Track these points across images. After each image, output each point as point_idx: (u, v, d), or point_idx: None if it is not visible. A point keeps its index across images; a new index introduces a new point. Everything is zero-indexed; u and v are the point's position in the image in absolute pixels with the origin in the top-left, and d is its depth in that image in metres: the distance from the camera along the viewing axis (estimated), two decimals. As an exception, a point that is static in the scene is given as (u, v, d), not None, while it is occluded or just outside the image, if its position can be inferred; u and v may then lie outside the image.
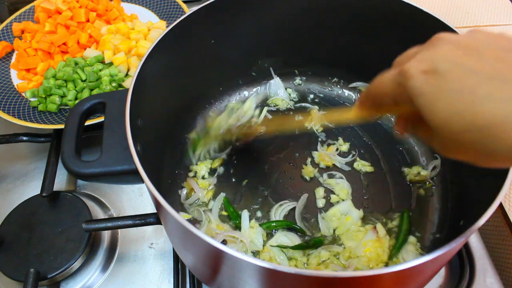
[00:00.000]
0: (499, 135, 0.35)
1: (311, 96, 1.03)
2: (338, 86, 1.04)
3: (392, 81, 0.44)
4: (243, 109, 0.98)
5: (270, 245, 0.77)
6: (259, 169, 0.90)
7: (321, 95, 1.03)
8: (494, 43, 0.39)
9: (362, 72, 0.98)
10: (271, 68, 1.02)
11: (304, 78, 1.04)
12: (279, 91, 1.02)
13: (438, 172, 0.86)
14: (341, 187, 0.85)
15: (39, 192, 0.88)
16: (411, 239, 0.78)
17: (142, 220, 0.78)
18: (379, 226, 0.79)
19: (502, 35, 0.40)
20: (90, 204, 0.89)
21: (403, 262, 0.71)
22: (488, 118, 0.35)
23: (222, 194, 0.85)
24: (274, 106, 1.01)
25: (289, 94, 1.03)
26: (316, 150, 0.92)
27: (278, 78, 1.03)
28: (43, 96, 1.01)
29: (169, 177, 0.88)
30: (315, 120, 0.92)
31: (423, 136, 0.48)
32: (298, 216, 0.82)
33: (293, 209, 0.83)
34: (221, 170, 0.90)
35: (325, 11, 0.89)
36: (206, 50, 0.88)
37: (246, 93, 1.03)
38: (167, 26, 0.97)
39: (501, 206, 0.84)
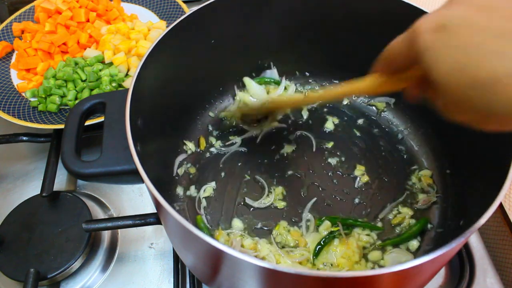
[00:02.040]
0: (502, 90, 0.35)
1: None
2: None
3: (404, 39, 0.45)
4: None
5: None
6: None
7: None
8: (507, 2, 0.39)
9: (363, 73, 0.98)
10: (271, 63, 1.02)
11: (305, 78, 1.04)
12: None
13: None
14: None
15: (39, 192, 0.88)
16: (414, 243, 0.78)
17: (142, 220, 0.78)
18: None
19: None
20: (90, 204, 0.89)
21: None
22: (491, 73, 0.35)
23: None
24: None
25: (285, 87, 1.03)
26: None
27: (275, 69, 1.02)
28: (43, 96, 1.01)
29: (169, 177, 0.88)
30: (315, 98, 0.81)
31: (430, 96, 0.47)
32: None
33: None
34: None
35: (325, 13, 0.89)
36: (206, 50, 0.88)
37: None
38: (167, 26, 0.97)
39: (501, 206, 0.84)
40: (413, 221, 0.80)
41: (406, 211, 0.82)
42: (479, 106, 0.37)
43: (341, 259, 0.75)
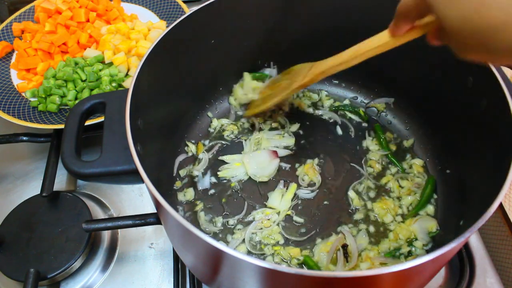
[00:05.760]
0: (501, 37, 0.41)
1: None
2: (340, 88, 1.03)
3: None
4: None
5: None
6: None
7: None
8: None
9: (363, 74, 0.98)
10: (271, 63, 1.02)
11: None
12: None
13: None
14: None
15: (39, 192, 0.88)
16: (430, 208, 0.83)
17: (142, 220, 0.78)
18: None
19: None
20: (90, 204, 0.89)
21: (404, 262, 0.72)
22: (492, 22, 0.41)
23: None
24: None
25: None
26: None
27: (275, 69, 1.02)
28: (43, 96, 1.01)
29: (169, 177, 0.88)
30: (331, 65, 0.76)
31: (444, 39, 0.52)
32: None
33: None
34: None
35: (325, 13, 0.89)
36: (206, 50, 0.88)
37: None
38: (167, 26, 0.97)
39: (501, 206, 0.84)
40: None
41: (407, 184, 0.87)
42: (485, 48, 0.43)
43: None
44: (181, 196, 0.87)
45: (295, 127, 0.97)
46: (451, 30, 0.44)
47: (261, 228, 0.81)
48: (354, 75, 1.00)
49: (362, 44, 0.67)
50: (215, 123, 0.98)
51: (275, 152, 0.90)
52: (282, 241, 0.80)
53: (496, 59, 0.47)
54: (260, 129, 0.96)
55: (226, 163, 0.91)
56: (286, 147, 0.93)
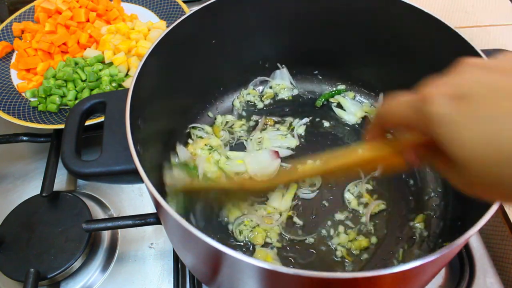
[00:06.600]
0: None
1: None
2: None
3: (409, 105, 0.39)
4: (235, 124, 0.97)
5: None
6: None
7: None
8: None
9: (363, 74, 0.99)
10: (278, 64, 1.02)
11: (305, 79, 1.04)
12: (284, 81, 1.02)
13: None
14: None
15: (39, 192, 0.88)
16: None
17: (142, 220, 0.78)
18: None
19: None
20: (90, 204, 0.89)
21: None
22: None
23: None
24: (276, 94, 1.02)
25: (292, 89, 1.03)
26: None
27: (285, 68, 1.02)
28: (43, 96, 1.01)
29: (169, 177, 0.88)
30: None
31: (441, 167, 0.40)
32: None
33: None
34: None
35: (325, 13, 0.89)
36: (206, 50, 0.88)
37: (246, 92, 1.03)
38: (167, 26, 0.97)
39: (501, 206, 0.84)
40: None
41: None
42: (510, 183, 0.32)
43: None
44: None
45: (301, 129, 0.96)
46: (462, 159, 0.34)
47: None
48: (360, 69, 1.00)
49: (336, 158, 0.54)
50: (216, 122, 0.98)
51: (276, 152, 0.90)
52: (282, 241, 0.80)
53: None
54: (263, 129, 0.96)
55: None
56: (287, 148, 0.93)
